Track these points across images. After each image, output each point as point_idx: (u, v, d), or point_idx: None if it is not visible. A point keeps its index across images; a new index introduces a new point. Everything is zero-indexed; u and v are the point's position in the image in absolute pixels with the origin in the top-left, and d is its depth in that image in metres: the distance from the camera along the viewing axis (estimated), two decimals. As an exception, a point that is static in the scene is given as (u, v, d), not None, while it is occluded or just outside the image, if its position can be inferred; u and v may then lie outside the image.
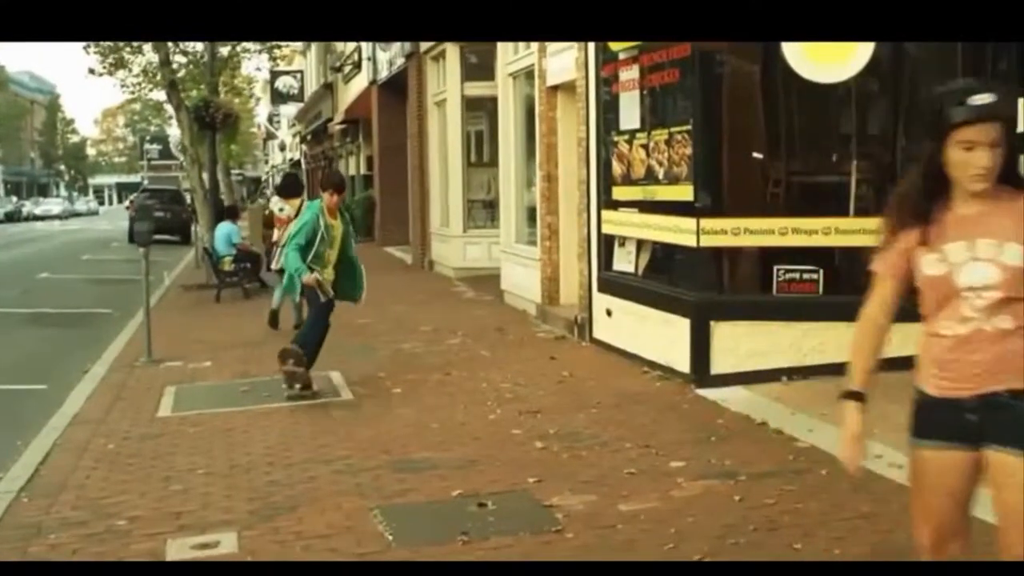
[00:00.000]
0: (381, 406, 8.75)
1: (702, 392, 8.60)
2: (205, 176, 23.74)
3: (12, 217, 66.23)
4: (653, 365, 9.50)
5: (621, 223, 10.32)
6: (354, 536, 5.65)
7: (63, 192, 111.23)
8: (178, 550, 5.57)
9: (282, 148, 70.36)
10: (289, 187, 15.73)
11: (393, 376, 10.03)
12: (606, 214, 10.64)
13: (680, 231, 8.93)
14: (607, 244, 10.70)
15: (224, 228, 18.88)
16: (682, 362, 8.97)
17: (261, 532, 5.79)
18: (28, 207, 74.39)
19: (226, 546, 5.59)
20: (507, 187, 14.85)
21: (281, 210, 14.64)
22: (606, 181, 10.61)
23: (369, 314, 14.72)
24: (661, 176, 9.32)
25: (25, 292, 21.20)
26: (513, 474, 6.61)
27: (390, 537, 5.60)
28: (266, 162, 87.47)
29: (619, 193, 10.35)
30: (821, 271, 8.40)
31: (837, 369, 6.85)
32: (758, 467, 6.51)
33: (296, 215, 12.99)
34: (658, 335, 9.39)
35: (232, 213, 19.90)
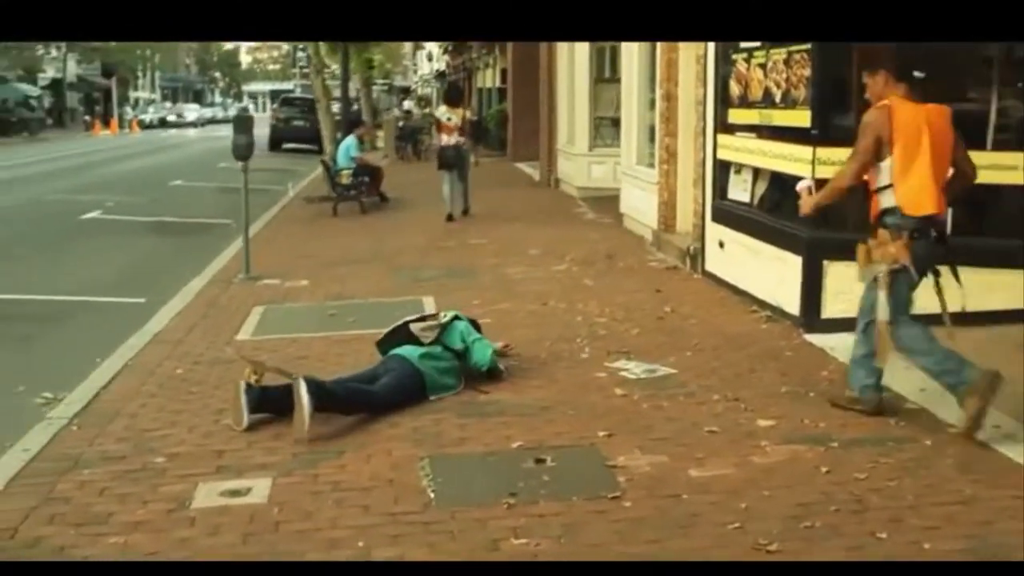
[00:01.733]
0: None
1: (810, 338, 7.86)
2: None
3: (165, 123, 67.50)
4: (763, 304, 8.77)
5: (737, 149, 9.52)
6: (393, 491, 5.18)
7: (217, 98, 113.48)
8: (206, 495, 5.20)
9: (429, 58, 70.23)
10: (453, 97, 17.13)
11: (487, 304, 9.52)
12: (722, 138, 9.85)
13: (795, 160, 8.12)
14: (723, 171, 9.92)
15: (345, 141, 18.58)
16: (791, 303, 8.22)
17: (298, 480, 5.37)
18: (155, 114, 74.86)
19: (256, 495, 5.19)
20: (628, 105, 14.07)
21: (449, 119, 16.00)
22: (723, 103, 9.80)
23: (484, 233, 14.33)
24: (778, 99, 8.49)
25: (154, 200, 21.38)
26: (584, 425, 6.04)
27: (431, 495, 5.11)
28: (415, 72, 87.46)
29: (736, 116, 9.54)
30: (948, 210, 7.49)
31: (962, 319, 6.18)
32: (854, 431, 5.80)
33: (460, 124, 15.81)
34: (769, 272, 8.64)
35: (353, 125, 19.56)
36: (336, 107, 26.08)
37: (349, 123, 20.92)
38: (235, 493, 5.22)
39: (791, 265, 8.18)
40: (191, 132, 64.24)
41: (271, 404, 6.29)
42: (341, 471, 5.47)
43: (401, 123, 29.37)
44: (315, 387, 6.06)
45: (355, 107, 39.36)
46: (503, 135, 28.39)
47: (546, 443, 5.78)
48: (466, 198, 16.36)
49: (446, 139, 15.97)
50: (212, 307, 9.96)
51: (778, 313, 8.45)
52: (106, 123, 63.88)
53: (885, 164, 5.76)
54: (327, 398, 6.14)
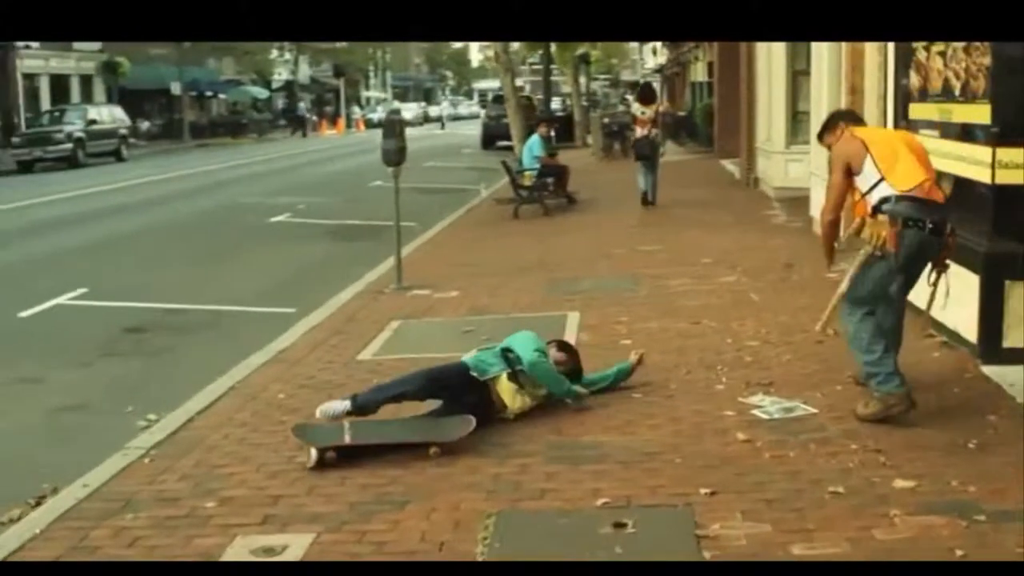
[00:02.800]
0: (594, 362, 7.39)
1: (987, 370, 6.73)
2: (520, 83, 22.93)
3: (369, 124, 68.76)
4: (941, 327, 7.63)
5: (918, 148, 8.36)
6: (441, 557, 4.50)
7: (448, 96, 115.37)
8: (237, 552, 4.66)
9: (654, 52, 69.17)
10: (646, 95, 18.37)
11: (634, 322, 8.73)
12: (903, 136, 8.70)
13: (973, 162, 6.99)
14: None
15: (528, 140, 18.02)
16: (968, 328, 7.09)
17: (342, 538, 4.77)
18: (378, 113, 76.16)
19: (291, 554, 4.61)
20: (818, 97, 12.91)
21: (643, 113, 17.45)
22: (904, 96, 8.66)
23: (661, 238, 13.50)
24: (957, 91, 7.35)
25: (348, 201, 21.37)
26: (687, 479, 5.20)
27: (481, 559, 4.41)
28: (643, 65, 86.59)
29: (916, 111, 8.38)
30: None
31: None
32: (1011, 501, 4.74)
33: (653, 117, 17.37)
34: (950, 291, 7.48)
35: (538, 123, 18.93)
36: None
37: (538, 121, 20.31)
38: (269, 551, 4.66)
39: (968, 284, 7.04)
40: (409, 131, 65.07)
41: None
42: (394, 528, 4.84)
43: (606, 119, 28.59)
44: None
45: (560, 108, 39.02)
46: (709, 131, 27.26)
47: (636, 500, 4.98)
48: (654, 188, 17.20)
49: (640, 132, 17.40)
50: (350, 321, 9.53)
51: (955, 339, 7.32)
52: (333, 123, 65.63)
53: (866, 168, 5.87)
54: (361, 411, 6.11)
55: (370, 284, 11.45)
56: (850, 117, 6.61)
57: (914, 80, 8.33)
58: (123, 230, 17.94)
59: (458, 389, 6.15)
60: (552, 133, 18.62)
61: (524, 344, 6.42)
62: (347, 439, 5.77)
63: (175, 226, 18.50)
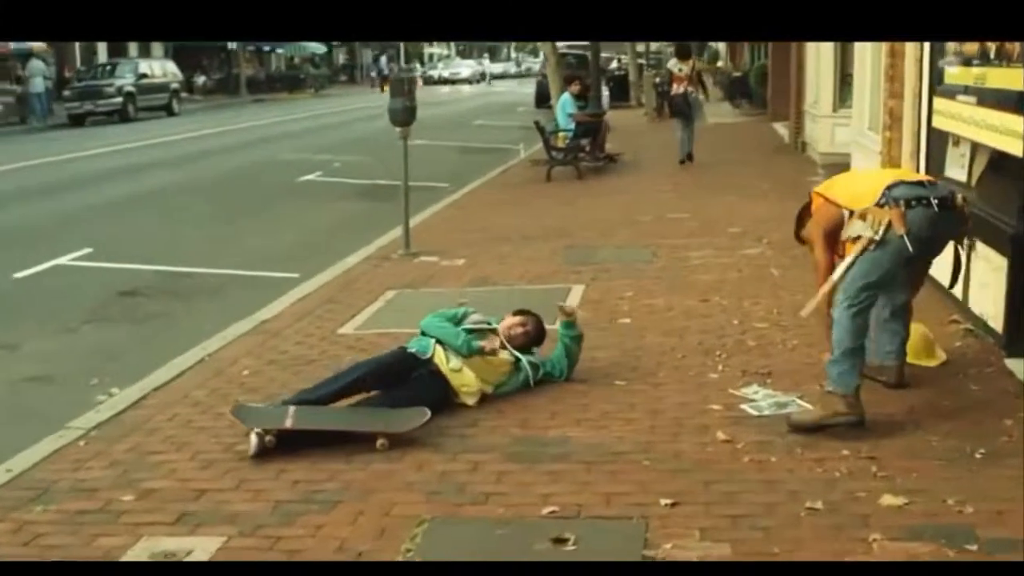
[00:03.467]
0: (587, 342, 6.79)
1: (1011, 364, 6.08)
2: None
3: (444, 80, 68.20)
4: (968, 314, 6.99)
5: (952, 116, 7.66)
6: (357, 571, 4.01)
7: (513, 53, 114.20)
8: (136, 555, 4.21)
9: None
10: (682, 51, 18.37)
11: (638, 298, 8.17)
12: (938, 102, 8.00)
13: (1005, 132, 6.31)
14: (939, 142, 8.08)
15: (560, 99, 17.38)
16: (995, 316, 6.44)
17: (253, 544, 4.30)
18: (439, 70, 75.67)
19: (194, 559, 4.15)
20: (862, 58, 12.13)
21: (680, 70, 17.78)
22: (941, 57, 7.94)
23: (692, 204, 12.88)
24: (992, 54, 6.65)
25: (383, 159, 20.75)
26: (651, 486, 4.67)
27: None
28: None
29: (953, 76, 7.67)
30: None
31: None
32: (1012, 526, 4.14)
33: (689, 74, 17.61)
34: (975, 273, 6.84)
35: (569, 80, 18.18)
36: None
37: (567, 79, 19.52)
38: (170, 555, 4.20)
39: (996, 267, 6.40)
40: (465, 88, 64.34)
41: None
42: (313, 534, 4.36)
43: (657, 79, 27.72)
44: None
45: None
46: (764, 92, 26.33)
47: (588, 510, 4.46)
48: (690, 143, 17.40)
49: (676, 88, 17.73)
50: (345, 289, 9.05)
51: (981, 327, 6.67)
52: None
53: (842, 214, 5.50)
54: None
55: (380, 249, 10.97)
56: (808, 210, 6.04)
57: (951, 43, 7.61)
58: (150, 187, 17.62)
59: (406, 374, 5.67)
60: (583, 91, 17.89)
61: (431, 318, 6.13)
62: (288, 423, 5.30)
63: (204, 183, 18.14)
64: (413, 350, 5.84)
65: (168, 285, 10.14)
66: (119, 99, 34.56)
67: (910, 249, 5.17)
